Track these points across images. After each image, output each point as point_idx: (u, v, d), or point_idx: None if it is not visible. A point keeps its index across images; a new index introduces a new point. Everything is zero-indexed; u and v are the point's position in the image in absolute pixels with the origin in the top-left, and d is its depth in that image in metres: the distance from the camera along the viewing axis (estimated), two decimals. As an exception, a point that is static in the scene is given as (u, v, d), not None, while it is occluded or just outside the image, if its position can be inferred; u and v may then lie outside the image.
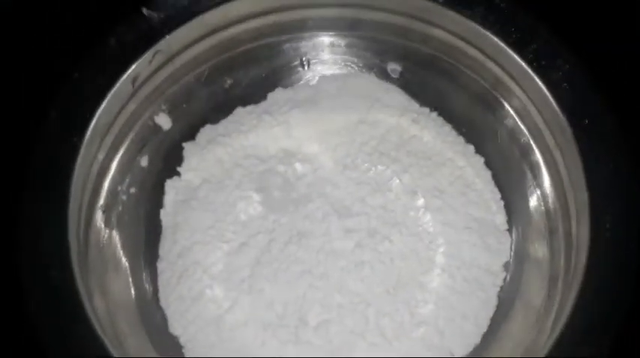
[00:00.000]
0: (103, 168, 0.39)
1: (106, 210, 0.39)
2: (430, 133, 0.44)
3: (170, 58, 0.40)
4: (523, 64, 0.38)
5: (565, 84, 0.35)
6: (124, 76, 0.36)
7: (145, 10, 0.36)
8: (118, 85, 0.36)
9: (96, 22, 0.37)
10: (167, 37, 0.38)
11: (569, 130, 0.35)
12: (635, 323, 0.30)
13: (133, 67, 0.37)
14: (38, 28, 0.38)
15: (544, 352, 0.32)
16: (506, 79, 0.40)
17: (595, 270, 0.31)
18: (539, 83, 0.36)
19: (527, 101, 0.39)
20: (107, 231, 0.39)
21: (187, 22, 0.38)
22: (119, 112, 0.38)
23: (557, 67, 0.36)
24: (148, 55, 0.37)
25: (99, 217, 0.38)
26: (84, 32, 0.37)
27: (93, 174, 0.37)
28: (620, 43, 0.37)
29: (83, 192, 0.35)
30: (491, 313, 0.39)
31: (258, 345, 0.38)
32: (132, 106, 0.39)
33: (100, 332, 0.31)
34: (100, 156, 0.38)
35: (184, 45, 0.40)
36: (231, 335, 0.38)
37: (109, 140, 0.38)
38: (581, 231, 0.33)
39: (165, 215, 0.42)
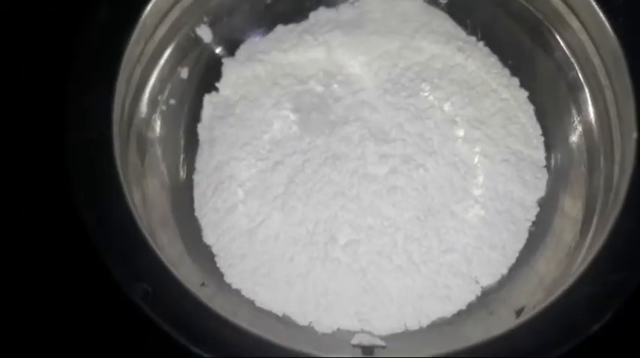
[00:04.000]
0: (144, 76, 0.39)
1: (146, 119, 0.40)
2: (475, 63, 0.43)
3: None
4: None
5: (625, 13, 0.33)
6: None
7: None
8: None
9: None
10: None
11: (624, 64, 0.33)
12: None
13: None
14: None
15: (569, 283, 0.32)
16: (561, 7, 0.39)
17: (631, 213, 0.31)
18: (598, 11, 0.35)
19: (582, 32, 0.37)
20: (147, 139, 0.40)
21: None
22: (163, 17, 0.38)
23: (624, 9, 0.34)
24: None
25: (140, 125, 0.39)
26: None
27: (134, 81, 0.37)
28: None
29: (125, 98, 0.36)
30: (520, 246, 0.39)
31: (288, 259, 0.39)
32: (175, 13, 0.39)
33: (139, 222, 0.31)
34: (143, 63, 0.38)
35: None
36: (262, 248, 0.39)
37: (151, 47, 0.38)
38: (624, 173, 0.33)
39: (203, 129, 0.43)
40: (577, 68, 0.40)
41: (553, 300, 0.30)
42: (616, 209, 0.32)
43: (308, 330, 0.38)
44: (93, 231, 0.30)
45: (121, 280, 0.29)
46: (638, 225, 0.31)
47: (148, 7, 0.35)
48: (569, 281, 0.30)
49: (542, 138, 0.41)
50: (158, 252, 0.31)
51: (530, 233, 0.39)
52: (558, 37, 0.40)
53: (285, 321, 0.38)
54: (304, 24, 0.45)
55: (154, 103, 0.40)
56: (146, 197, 0.38)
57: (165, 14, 0.38)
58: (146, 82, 0.40)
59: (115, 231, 0.31)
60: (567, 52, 0.40)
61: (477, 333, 0.36)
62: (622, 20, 0.34)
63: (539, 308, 0.30)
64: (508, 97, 0.42)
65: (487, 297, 0.38)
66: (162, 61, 0.40)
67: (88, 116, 0.32)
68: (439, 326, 0.37)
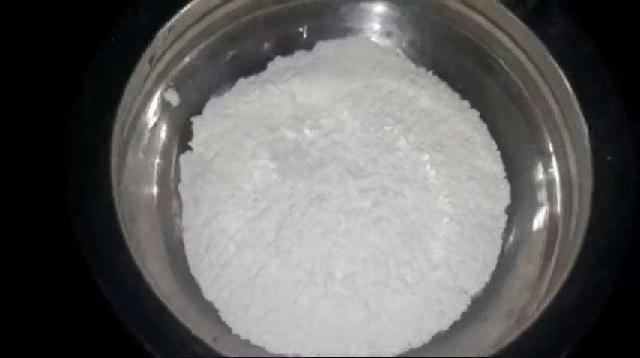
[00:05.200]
0: (122, 147, 0.40)
1: (134, 187, 0.40)
2: (428, 92, 0.47)
3: (181, 34, 0.40)
4: (516, 19, 0.41)
5: (557, 34, 0.39)
6: (144, 56, 0.37)
7: None
8: (139, 65, 0.37)
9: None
10: (180, 13, 0.38)
11: (560, 73, 0.38)
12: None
13: (151, 45, 0.37)
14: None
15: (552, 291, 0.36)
16: (497, 32, 0.43)
17: (597, 211, 0.35)
18: (523, 25, 0.40)
19: (522, 55, 0.42)
20: (139, 205, 0.40)
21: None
22: (140, 88, 0.39)
23: (550, 23, 0.39)
24: (163, 32, 0.37)
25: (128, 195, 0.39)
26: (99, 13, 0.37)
27: (122, 151, 0.38)
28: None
29: (120, 169, 0.37)
30: (497, 253, 0.43)
31: (290, 303, 0.41)
32: (148, 85, 0.40)
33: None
34: (124, 136, 0.38)
35: (195, 19, 0.40)
36: (264, 296, 0.41)
37: (129, 120, 0.39)
38: (582, 175, 0.37)
39: (184, 188, 0.44)
40: (521, 85, 0.44)
41: (545, 307, 0.34)
42: (579, 205, 0.36)
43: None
44: (117, 311, 0.31)
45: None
46: (607, 215, 0.35)
47: (127, 86, 0.36)
48: (556, 286, 0.34)
49: (498, 152, 0.45)
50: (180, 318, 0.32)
51: (504, 240, 0.43)
52: (501, 61, 0.45)
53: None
54: (264, 74, 0.47)
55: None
56: (146, 265, 0.39)
57: (142, 86, 0.39)
58: (125, 154, 0.40)
59: (135, 303, 0.32)
60: (510, 72, 0.44)
61: (476, 340, 0.39)
62: (552, 34, 0.39)
63: (534, 316, 0.34)
64: (461, 120, 0.46)
65: (478, 306, 0.41)
66: (138, 131, 0.41)
67: (89, 195, 0.33)
68: (440, 339, 0.40)
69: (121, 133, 0.37)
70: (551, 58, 0.40)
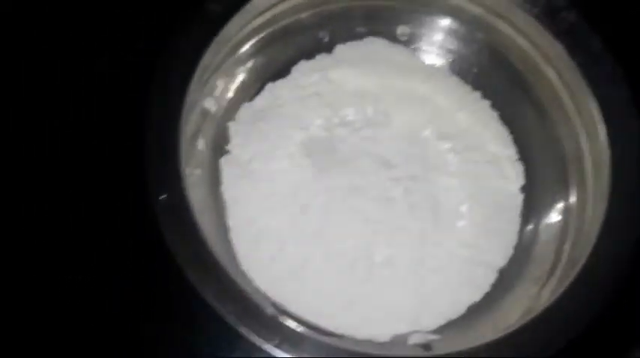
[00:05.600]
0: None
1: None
2: (441, 87, 0.51)
3: (224, 43, 0.43)
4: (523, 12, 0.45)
5: (565, 25, 0.43)
6: (199, 68, 0.40)
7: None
8: (195, 76, 0.40)
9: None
10: (228, 24, 0.41)
11: (568, 58, 0.43)
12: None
13: (205, 56, 0.40)
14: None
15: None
16: (501, 24, 0.48)
17: (616, 197, 0.39)
18: (540, 27, 0.44)
19: (527, 44, 0.47)
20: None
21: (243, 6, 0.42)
22: (186, 101, 0.42)
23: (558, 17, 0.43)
24: (215, 43, 0.40)
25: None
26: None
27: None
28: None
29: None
30: (517, 228, 0.47)
31: (336, 289, 0.44)
32: (195, 95, 0.43)
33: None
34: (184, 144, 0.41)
35: (238, 28, 0.43)
36: (312, 285, 0.44)
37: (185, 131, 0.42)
38: (594, 152, 0.42)
39: (226, 190, 0.47)
40: (527, 72, 0.48)
41: (575, 273, 0.38)
42: (595, 178, 0.41)
43: (368, 343, 0.43)
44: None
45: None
46: (626, 183, 0.39)
47: (188, 95, 0.40)
48: (582, 250, 0.39)
49: (510, 137, 0.50)
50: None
51: (523, 215, 0.47)
52: (506, 51, 0.49)
53: (345, 339, 0.43)
54: (289, 78, 0.50)
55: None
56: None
57: (194, 96, 0.42)
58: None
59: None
60: (516, 61, 0.49)
61: (508, 308, 0.44)
62: (560, 26, 0.43)
63: (563, 285, 0.39)
64: (474, 110, 0.50)
65: (505, 276, 0.45)
66: (184, 138, 0.44)
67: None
68: (475, 309, 0.45)
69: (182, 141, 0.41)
70: (557, 44, 0.44)
